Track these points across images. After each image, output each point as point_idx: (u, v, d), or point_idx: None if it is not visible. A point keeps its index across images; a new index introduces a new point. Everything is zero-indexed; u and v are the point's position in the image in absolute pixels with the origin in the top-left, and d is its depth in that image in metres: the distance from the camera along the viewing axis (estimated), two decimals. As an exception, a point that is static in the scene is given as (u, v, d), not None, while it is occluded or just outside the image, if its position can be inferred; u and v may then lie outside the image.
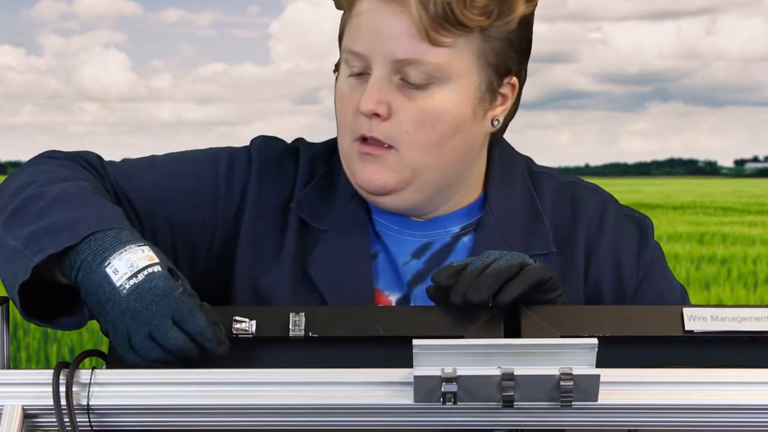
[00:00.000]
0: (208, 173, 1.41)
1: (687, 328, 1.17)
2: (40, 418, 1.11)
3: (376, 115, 1.31)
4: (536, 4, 1.37)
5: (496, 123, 1.38)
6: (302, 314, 1.18)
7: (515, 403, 1.06)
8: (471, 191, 1.41)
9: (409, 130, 1.31)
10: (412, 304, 1.36)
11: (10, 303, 1.19)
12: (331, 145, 1.45)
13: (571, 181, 1.46)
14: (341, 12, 1.39)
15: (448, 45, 1.29)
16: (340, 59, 1.38)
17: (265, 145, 1.45)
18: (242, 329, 1.17)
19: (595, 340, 1.04)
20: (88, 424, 1.10)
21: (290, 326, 1.18)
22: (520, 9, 1.33)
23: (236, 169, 1.41)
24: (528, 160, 1.47)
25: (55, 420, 1.09)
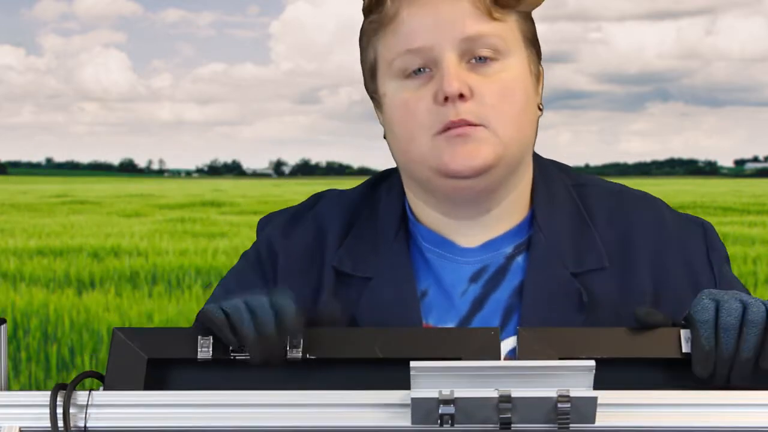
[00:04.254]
0: (253, 278, 1.45)
1: (684, 350, 1.17)
2: (37, 440, 1.12)
3: (461, 96, 1.32)
4: None
5: (541, 108, 1.42)
6: (300, 336, 1.18)
7: (513, 425, 1.06)
8: (519, 205, 1.42)
9: (494, 104, 1.33)
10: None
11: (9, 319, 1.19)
12: (365, 190, 1.48)
13: (619, 190, 1.46)
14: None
15: (503, 20, 1.35)
16: (375, 83, 1.41)
17: (273, 222, 1.48)
18: (240, 352, 1.18)
19: (592, 362, 1.04)
20: None
21: (288, 348, 1.18)
22: None
23: (263, 263, 1.45)
24: (566, 170, 1.48)
25: (52, 442, 1.10)
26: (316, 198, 1.50)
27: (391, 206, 1.45)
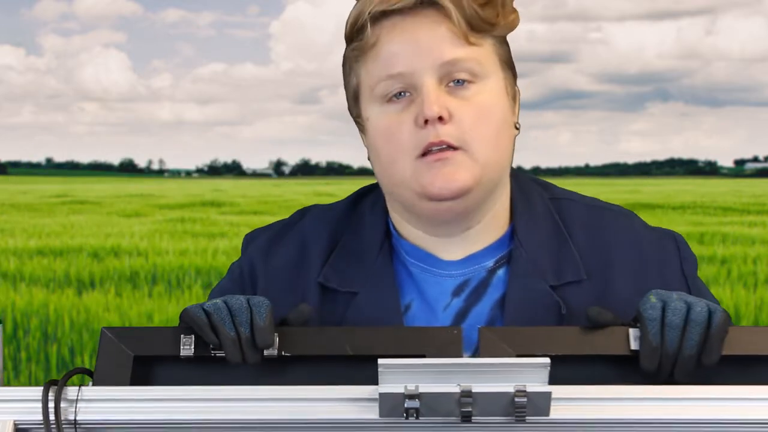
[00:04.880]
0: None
1: (632, 347, 1.23)
2: (30, 433, 1.17)
3: (440, 119, 1.37)
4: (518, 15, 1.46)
5: (517, 126, 1.46)
6: (276, 335, 1.25)
7: (473, 418, 1.12)
8: (499, 220, 1.47)
9: (471, 126, 1.38)
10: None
11: (10, 317, 1.26)
12: (349, 205, 1.52)
13: (595, 205, 1.51)
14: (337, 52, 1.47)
15: (479, 44, 1.40)
16: (358, 108, 1.45)
17: (257, 240, 1.53)
18: (221, 349, 1.24)
19: (547, 359, 1.09)
20: None
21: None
22: (514, 15, 1.44)
23: (244, 280, 1.50)
24: (545, 185, 1.53)
25: (44, 434, 1.15)
26: (301, 213, 1.54)
27: (375, 222, 1.49)
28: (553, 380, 1.11)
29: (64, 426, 1.16)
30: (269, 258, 1.50)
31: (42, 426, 1.16)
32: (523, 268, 1.43)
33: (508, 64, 1.45)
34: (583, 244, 1.45)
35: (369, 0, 1.41)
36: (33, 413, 1.17)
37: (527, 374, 1.10)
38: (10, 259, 13.53)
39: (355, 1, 1.44)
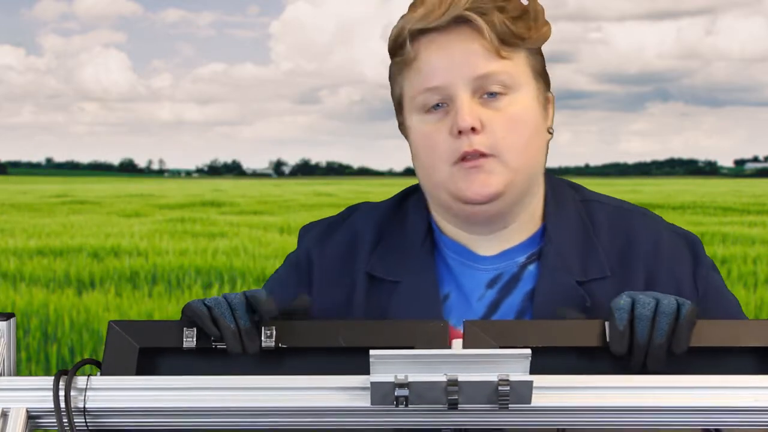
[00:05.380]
0: (291, 281, 1.60)
1: (608, 339, 1.30)
2: (42, 419, 1.24)
3: (473, 130, 1.47)
4: (550, 27, 1.56)
5: (551, 132, 1.57)
6: (273, 328, 1.32)
7: (459, 405, 1.18)
8: (532, 220, 1.57)
9: (504, 135, 1.48)
10: None
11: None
12: (395, 203, 1.62)
13: (622, 207, 1.59)
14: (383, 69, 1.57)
15: (511, 57, 1.49)
16: (402, 116, 1.56)
17: (312, 231, 1.63)
18: (220, 341, 1.31)
19: (529, 351, 1.15)
20: (84, 424, 1.23)
21: (262, 338, 1.31)
22: (546, 28, 1.54)
23: (300, 269, 1.60)
24: (576, 188, 1.62)
25: (55, 421, 1.22)
26: (351, 210, 1.65)
27: (419, 219, 1.59)
28: (534, 370, 1.17)
29: (73, 413, 1.22)
30: (323, 248, 1.59)
31: (53, 413, 1.22)
32: (552, 264, 1.52)
33: (541, 74, 1.54)
34: (607, 243, 1.54)
35: (409, 17, 1.51)
36: (45, 401, 1.23)
37: (510, 364, 1.16)
38: (10, 259, 13.55)
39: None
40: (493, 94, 1.48)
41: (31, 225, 21.09)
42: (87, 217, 25.37)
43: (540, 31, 1.52)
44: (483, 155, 1.47)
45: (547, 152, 1.57)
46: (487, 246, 1.56)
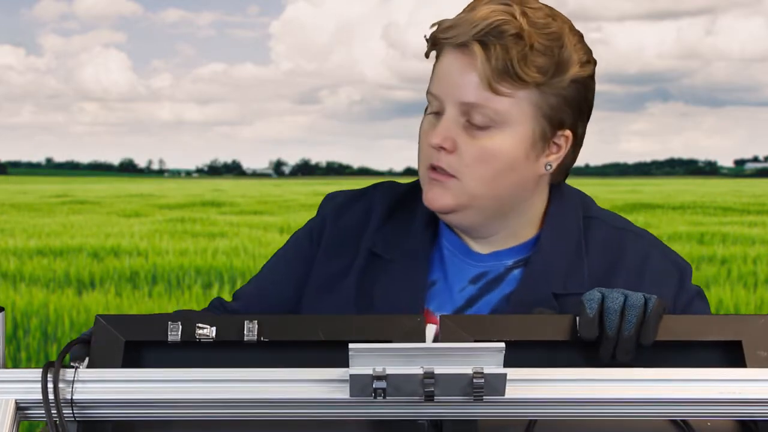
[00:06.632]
0: (305, 244, 1.69)
1: (579, 334, 1.34)
2: (31, 411, 1.27)
3: (443, 148, 1.53)
4: (594, 68, 1.55)
5: (548, 168, 1.57)
6: (255, 322, 1.35)
7: (435, 397, 1.21)
8: (528, 227, 1.61)
9: (469, 163, 1.53)
10: None
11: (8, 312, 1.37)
12: (413, 187, 1.67)
13: (621, 228, 1.62)
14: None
15: (508, 95, 1.50)
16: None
17: (334, 200, 1.70)
18: (204, 335, 1.34)
19: (502, 344, 1.18)
20: (72, 415, 1.26)
21: (245, 332, 1.34)
22: (574, 70, 1.53)
23: (314, 233, 1.67)
24: (587, 203, 1.65)
25: (43, 412, 1.25)
26: (375, 186, 1.71)
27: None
28: (508, 363, 1.20)
29: (61, 404, 1.25)
30: (341, 216, 1.66)
31: (41, 404, 1.25)
32: (535, 272, 1.57)
33: (552, 114, 1.53)
34: (596, 260, 1.57)
35: (442, 21, 1.54)
36: (33, 393, 1.26)
37: (484, 358, 1.19)
38: (10, 259, 13.53)
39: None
40: (478, 124, 1.51)
41: (31, 225, 21.08)
42: (87, 217, 25.36)
43: (564, 75, 1.51)
44: (445, 173, 1.54)
45: (539, 184, 1.58)
46: (482, 245, 1.61)
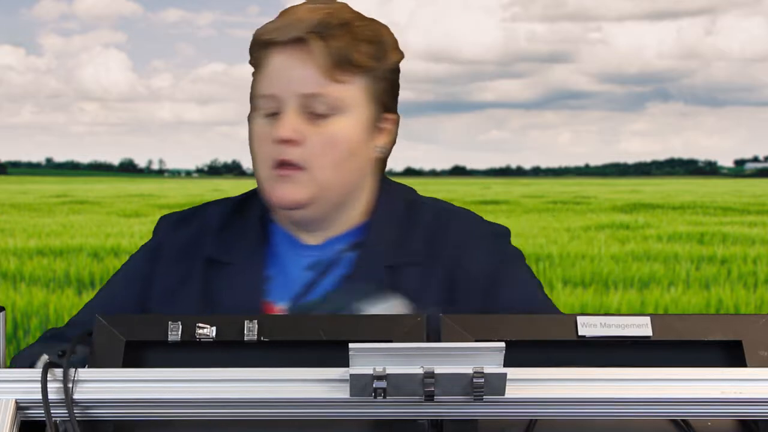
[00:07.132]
0: (141, 264, 1.75)
1: (580, 333, 1.34)
2: (31, 411, 1.27)
3: (290, 141, 1.60)
4: (403, 55, 1.69)
5: (378, 150, 1.68)
6: (255, 321, 1.35)
7: (435, 397, 1.21)
8: (358, 216, 1.70)
9: (317, 152, 1.61)
10: (298, 307, 1.65)
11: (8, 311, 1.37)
12: (243, 198, 1.76)
13: (445, 208, 1.73)
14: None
15: (345, 82, 1.61)
16: (250, 110, 1.67)
17: (169, 219, 1.78)
18: (204, 334, 1.34)
19: (503, 344, 1.19)
20: (72, 415, 1.25)
21: (245, 332, 1.35)
22: (394, 55, 1.67)
23: (150, 251, 1.74)
24: (410, 191, 1.76)
25: (43, 412, 1.25)
26: (208, 203, 1.79)
27: (258, 211, 1.73)
28: (508, 363, 1.21)
29: (61, 404, 1.25)
30: (176, 231, 1.73)
31: (41, 404, 1.25)
32: (368, 251, 1.66)
33: (379, 98, 1.65)
34: (422, 237, 1.67)
35: (265, 27, 1.64)
36: (33, 393, 1.26)
37: (484, 357, 1.19)
38: (10, 259, 13.54)
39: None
40: (319, 113, 1.60)
41: (31, 225, 21.10)
42: (87, 217, 25.39)
43: (387, 61, 1.64)
44: (295, 167, 1.60)
45: (372, 170, 1.69)
46: (315, 236, 1.69)
